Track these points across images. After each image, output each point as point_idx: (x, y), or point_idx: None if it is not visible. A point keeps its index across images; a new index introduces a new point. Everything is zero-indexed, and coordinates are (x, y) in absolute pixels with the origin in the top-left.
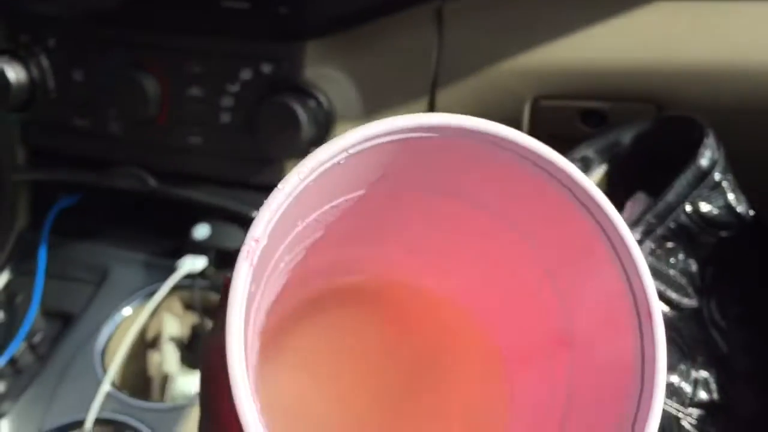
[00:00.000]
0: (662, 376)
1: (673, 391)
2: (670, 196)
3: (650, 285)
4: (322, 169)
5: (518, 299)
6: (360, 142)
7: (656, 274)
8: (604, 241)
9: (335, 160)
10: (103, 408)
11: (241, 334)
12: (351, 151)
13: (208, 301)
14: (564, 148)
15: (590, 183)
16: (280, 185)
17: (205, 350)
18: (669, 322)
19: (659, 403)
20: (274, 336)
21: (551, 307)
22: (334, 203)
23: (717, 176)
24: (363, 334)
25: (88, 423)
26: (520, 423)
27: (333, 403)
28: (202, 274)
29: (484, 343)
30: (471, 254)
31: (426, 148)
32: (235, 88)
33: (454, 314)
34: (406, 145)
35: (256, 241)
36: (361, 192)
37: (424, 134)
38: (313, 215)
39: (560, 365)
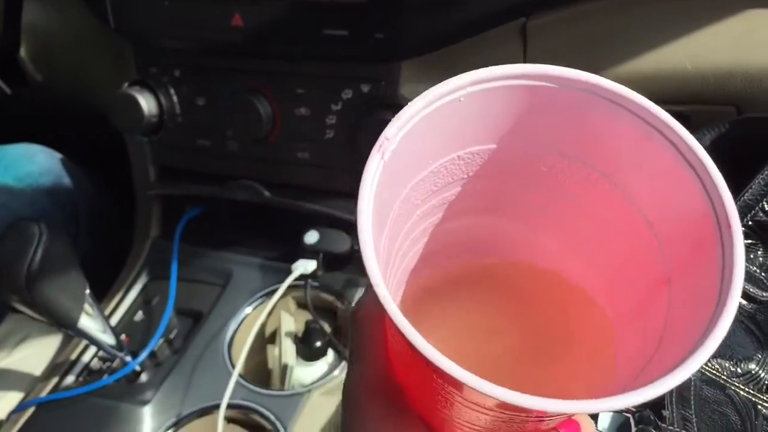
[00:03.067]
0: (739, 280)
1: (749, 379)
2: (748, 195)
3: (729, 200)
4: (443, 101)
5: (625, 258)
6: (478, 82)
7: None
8: (689, 170)
9: (456, 95)
10: (232, 395)
11: (371, 214)
12: (470, 89)
13: (319, 299)
14: None
15: (674, 121)
16: (406, 107)
17: (355, 313)
18: (748, 315)
19: (735, 300)
20: (418, 305)
21: (653, 255)
22: (460, 153)
23: None
24: (491, 307)
25: (222, 408)
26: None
27: (477, 350)
28: (312, 275)
29: (594, 307)
30: (585, 223)
31: (544, 102)
32: (337, 107)
33: (566, 286)
34: (523, 94)
35: (387, 139)
36: (485, 146)
37: (535, 82)
38: (442, 160)
39: (662, 301)
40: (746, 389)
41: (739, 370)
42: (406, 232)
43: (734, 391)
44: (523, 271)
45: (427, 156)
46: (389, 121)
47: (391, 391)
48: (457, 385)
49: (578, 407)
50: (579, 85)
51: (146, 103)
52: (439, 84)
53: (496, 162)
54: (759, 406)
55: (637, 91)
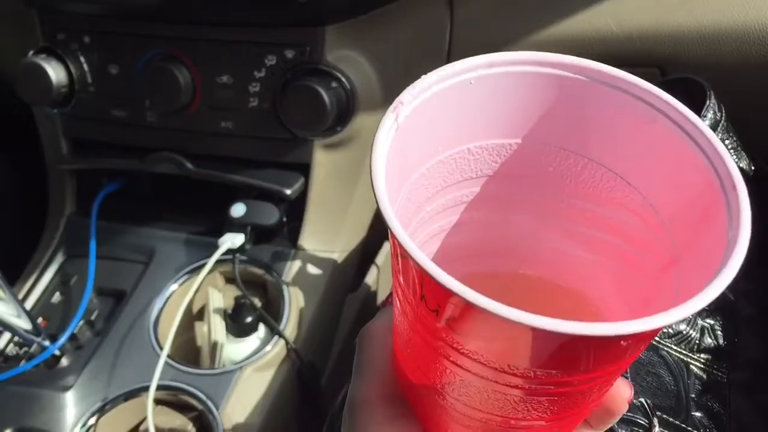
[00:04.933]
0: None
1: (681, 339)
2: None
3: (732, 165)
4: (455, 80)
5: (635, 253)
6: (490, 65)
7: None
8: (693, 145)
9: (467, 75)
10: (160, 376)
11: (384, 172)
12: (481, 72)
13: (248, 273)
14: None
15: (677, 101)
16: (419, 79)
17: (365, 330)
18: None
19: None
20: None
21: (662, 242)
22: (469, 146)
23: (719, 136)
24: None
25: (152, 390)
26: None
27: None
28: (240, 249)
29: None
30: (593, 226)
31: (550, 92)
32: (261, 74)
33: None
34: (531, 82)
35: (402, 103)
36: (493, 141)
37: (545, 69)
38: (451, 151)
39: (670, 282)
40: (678, 349)
41: (670, 331)
42: (415, 225)
43: (667, 351)
44: (535, 286)
45: (437, 141)
46: (315, 86)
47: (393, 398)
48: (449, 302)
49: (603, 329)
50: (585, 73)
51: (54, 72)
52: (451, 63)
53: (504, 161)
54: (691, 366)
55: (564, 53)
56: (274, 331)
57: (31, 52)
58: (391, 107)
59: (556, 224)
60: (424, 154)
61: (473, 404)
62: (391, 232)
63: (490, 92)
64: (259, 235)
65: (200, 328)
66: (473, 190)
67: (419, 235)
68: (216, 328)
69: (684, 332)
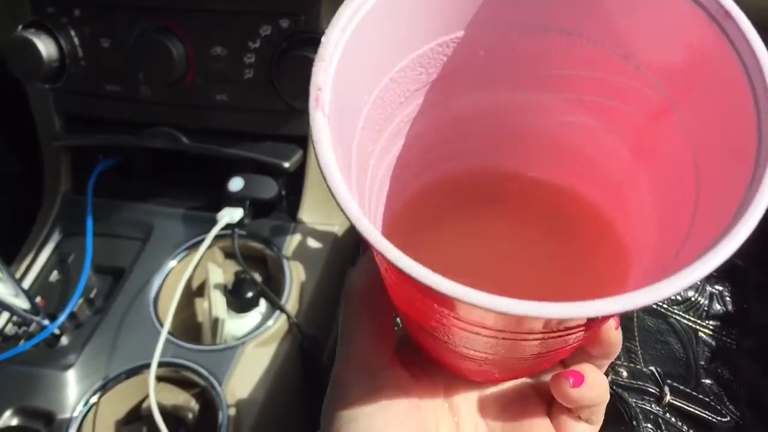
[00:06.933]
0: None
1: (689, 306)
2: None
3: (756, 41)
4: None
5: (638, 140)
6: None
7: None
8: (724, 40)
9: None
10: (162, 353)
11: (335, 163)
12: None
13: (247, 248)
14: None
15: None
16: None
17: (348, 288)
18: None
19: None
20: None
21: (678, 150)
22: (438, 41)
23: None
24: (488, 221)
25: (153, 366)
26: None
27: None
28: (239, 223)
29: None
30: (590, 113)
31: None
32: (255, 44)
33: (578, 203)
34: None
35: (320, 89)
36: (463, 33)
37: None
38: (413, 54)
39: (688, 189)
40: (687, 316)
41: (679, 298)
42: (390, 132)
43: (675, 319)
44: (530, 185)
45: (383, 63)
46: (311, 57)
47: (376, 375)
48: (446, 301)
49: (601, 307)
50: None
51: (44, 46)
52: None
53: (477, 51)
54: (700, 333)
55: None
56: (275, 305)
57: (20, 27)
58: (312, 102)
59: (550, 98)
60: (391, 57)
61: (477, 348)
62: (351, 219)
63: None
64: (257, 209)
65: (201, 305)
66: (449, 87)
67: (396, 143)
68: (217, 304)
69: (692, 299)
